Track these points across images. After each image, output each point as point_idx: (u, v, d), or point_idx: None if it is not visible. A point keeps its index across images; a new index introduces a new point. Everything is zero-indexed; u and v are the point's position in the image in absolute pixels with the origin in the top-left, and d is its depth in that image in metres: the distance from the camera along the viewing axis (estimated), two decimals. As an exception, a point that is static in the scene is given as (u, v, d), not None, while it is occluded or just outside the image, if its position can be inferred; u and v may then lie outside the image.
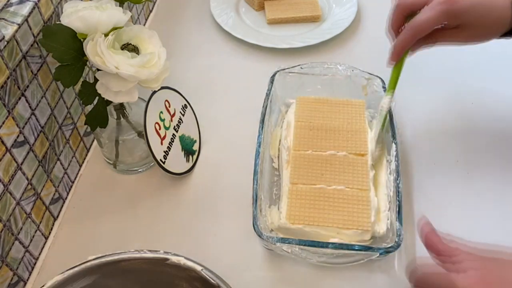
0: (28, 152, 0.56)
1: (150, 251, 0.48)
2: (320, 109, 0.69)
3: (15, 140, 0.53)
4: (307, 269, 0.59)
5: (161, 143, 0.64)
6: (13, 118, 0.52)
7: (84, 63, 0.55)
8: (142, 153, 0.68)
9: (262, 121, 0.65)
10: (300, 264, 0.59)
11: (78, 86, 0.58)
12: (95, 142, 0.73)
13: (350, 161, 0.63)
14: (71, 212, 0.66)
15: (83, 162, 0.71)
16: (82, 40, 0.53)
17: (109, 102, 0.60)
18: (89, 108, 0.60)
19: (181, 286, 0.49)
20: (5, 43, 0.50)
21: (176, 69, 0.79)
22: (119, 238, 0.62)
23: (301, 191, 0.60)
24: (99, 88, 0.55)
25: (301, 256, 0.55)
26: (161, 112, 0.65)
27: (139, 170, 0.69)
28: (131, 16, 0.57)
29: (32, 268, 0.59)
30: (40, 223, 0.60)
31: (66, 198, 0.66)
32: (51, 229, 0.63)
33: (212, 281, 0.46)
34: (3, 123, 0.51)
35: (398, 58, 0.60)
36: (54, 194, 0.63)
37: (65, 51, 0.53)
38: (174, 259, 0.47)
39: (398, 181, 0.59)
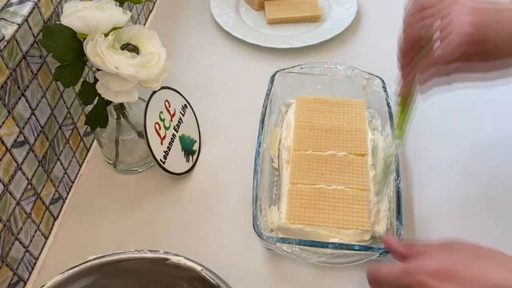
0: (28, 152, 0.56)
1: (150, 251, 0.48)
2: (320, 109, 0.69)
3: (15, 140, 0.53)
4: (307, 269, 0.59)
5: (161, 143, 0.64)
6: (13, 118, 0.52)
7: (84, 63, 0.55)
8: (142, 153, 0.68)
9: (262, 121, 0.65)
10: (300, 264, 0.59)
11: (78, 86, 0.58)
12: (95, 142, 0.73)
13: (350, 161, 0.63)
14: (71, 212, 0.66)
15: (83, 162, 0.71)
16: (82, 40, 0.53)
17: (109, 102, 0.60)
18: (89, 108, 0.60)
19: (181, 286, 0.49)
20: (5, 43, 0.50)
21: (176, 69, 0.79)
22: (119, 238, 0.62)
23: (301, 191, 0.60)
24: (99, 88, 0.55)
25: (301, 256, 0.55)
26: (161, 112, 0.65)
27: (139, 170, 0.69)
28: (131, 16, 0.57)
29: (32, 268, 0.59)
30: (40, 223, 0.60)
31: (66, 198, 0.66)
32: (51, 229, 0.63)
33: (212, 281, 0.46)
34: (3, 123, 0.51)
35: (408, 95, 0.52)
36: (54, 194, 0.63)
37: (65, 51, 0.53)
38: (174, 259, 0.47)
39: (398, 181, 0.59)
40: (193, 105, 0.72)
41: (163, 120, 0.65)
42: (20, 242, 0.56)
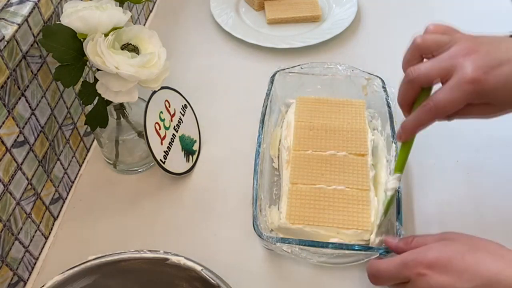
0: (28, 152, 0.56)
1: (150, 251, 0.48)
2: (320, 109, 0.69)
3: (15, 140, 0.53)
4: (307, 269, 0.59)
5: (161, 143, 0.64)
6: (13, 118, 0.52)
7: (84, 63, 0.55)
8: (142, 153, 0.68)
9: (262, 121, 0.65)
10: (300, 264, 0.59)
11: (78, 86, 0.58)
12: (95, 142, 0.73)
13: (350, 161, 0.63)
14: (71, 212, 0.66)
15: (83, 162, 0.71)
16: (82, 40, 0.53)
17: (109, 102, 0.60)
18: (89, 108, 0.60)
19: (181, 286, 0.49)
20: (5, 43, 0.50)
21: (176, 69, 0.79)
22: (119, 238, 0.62)
23: (301, 191, 0.60)
24: (99, 88, 0.55)
25: (301, 256, 0.55)
26: (161, 112, 0.65)
27: (139, 170, 0.69)
28: (131, 16, 0.57)
29: (32, 268, 0.59)
30: (40, 223, 0.60)
31: (66, 198, 0.66)
32: (51, 229, 0.63)
33: (212, 281, 0.46)
34: (3, 123, 0.51)
35: (409, 138, 0.52)
36: (54, 194, 0.63)
37: (65, 51, 0.53)
38: (174, 259, 0.47)
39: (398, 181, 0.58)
40: (193, 105, 0.72)
41: (163, 120, 0.65)
42: (20, 242, 0.56)
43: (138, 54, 0.56)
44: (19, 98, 0.53)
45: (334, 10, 0.92)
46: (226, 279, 0.46)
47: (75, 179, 0.69)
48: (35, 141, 0.57)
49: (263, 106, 0.67)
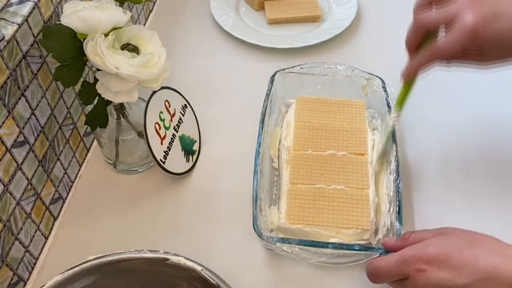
0: (28, 152, 0.56)
1: (150, 251, 0.48)
2: (320, 109, 0.69)
3: (15, 140, 0.53)
4: (307, 269, 0.59)
5: (161, 143, 0.64)
6: (13, 118, 0.52)
7: (84, 63, 0.55)
8: (142, 153, 0.68)
9: (262, 121, 0.65)
10: (300, 264, 0.59)
11: (78, 86, 0.58)
12: (95, 142, 0.73)
13: (350, 161, 0.63)
14: (71, 212, 0.66)
15: (83, 162, 0.71)
16: (82, 40, 0.53)
17: (109, 102, 0.60)
18: (89, 108, 0.60)
19: (181, 286, 0.49)
20: (5, 43, 0.50)
21: (176, 69, 0.79)
22: (119, 238, 0.62)
23: (300, 191, 0.60)
24: (99, 88, 0.55)
25: (301, 256, 0.55)
26: (161, 112, 0.65)
27: (139, 170, 0.69)
28: (131, 16, 0.57)
29: (32, 268, 0.59)
30: (40, 223, 0.60)
31: (66, 198, 0.66)
32: (51, 229, 0.63)
33: (212, 281, 0.46)
34: (3, 123, 0.51)
35: (411, 77, 0.57)
36: (54, 194, 0.63)
37: (65, 51, 0.53)
38: (174, 259, 0.47)
39: (398, 181, 0.59)
40: (193, 105, 0.72)
41: (163, 120, 0.65)
42: (20, 242, 0.56)
43: (138, 54, 0.56)
44: (19, 98, 0.53)
45: (334, 10, 0.92)
46: (226, 279, 0.46)
47: (75, 179, 0.69)
48: (35, 141, 0.57)
49: (263, 106, 0.67)
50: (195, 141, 0.71)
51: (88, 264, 0.47)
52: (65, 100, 0.63)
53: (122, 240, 0.62)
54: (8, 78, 0.51)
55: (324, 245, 0.54)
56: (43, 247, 0.62)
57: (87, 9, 0.53)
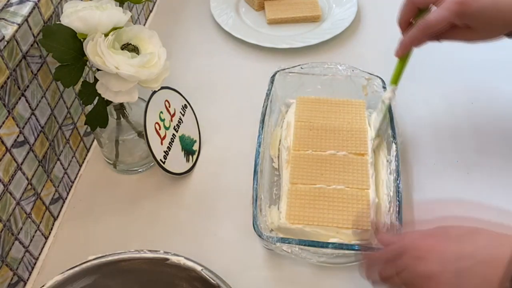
0: (28, 152, 0.56)
1: (150, 251, 0.48)
2: (320, 109, 0.69)
3: (15, 140, 0.53)
4: (307, 269, 0.59)
5: (161, 143, 0.64)
6: (13, 118, 0.52)
7: (84, 63, 0.55)
8: (142, 153, 0.68)
9: (262, 121, 0.65)
10: (300, 264, 0.59)
11: (78, 86, 0.58)
12: (95, 142, 0.73)
13: (350, 161, 0.63)
14: (71, 212, 0.66)
15: (83, 162, 0.71)
16: (82, 40, 0.53)
17: (109, 102, 0.60)
18: (89, 108, 0.60)
19: (181, 286, 0.49)
20: (5, 43, 0.50)
21: (176, 69, 0.79)
22: (119, 238, 0.62)
23: (300, 191, 0.60)
24: (99, 88, 0.55)
25: (301, 256, 0.55)
26: (161, 112, 0.65)
27: (139, 170, 0.69)
28: (131, 16, 0.57)
29: (32, 268, 0.59)
30: (40, 223, 0.60)
31: (66, 198, 0.66)
32: (51, 229, 0.63)
33: (212, 281, 0.46)
34: (3, 123, 0.51)
35: (404, 53, 0.60)
36: (54, 194, 0.63)
37: (65, 51, 0.53)
38: (174, 259, 0.47)
39: (398, 181, 0.59)
40: (193, 105, 0.72)
41: (163, 120, 0.65)
42: (20, 242, 0.56)
43: (138, 54, 0.56)
44: (19, 98, 0.53)
45: (334, 10, 0.92)
46: (226, 279, 0.46)
47: (75, 179, 0.69)
48: (35, 141, 0.57)
49: (263, 106, 0.67)
50: (195, 141, 0.71)
51: (88, 264, 0.47)
52: (65, 100, 0.63)
53: (122, 240, 0.62)
54: (8, 78, 0.51)
55: (324, 245, 0.54)
56: (43, 247, 0.62)
57: (87, 9, 0.53)
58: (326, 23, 0.90)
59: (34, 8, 0.54)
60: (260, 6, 0.94)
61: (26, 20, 0.53)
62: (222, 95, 0.79)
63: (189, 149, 0.70)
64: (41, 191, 0.60)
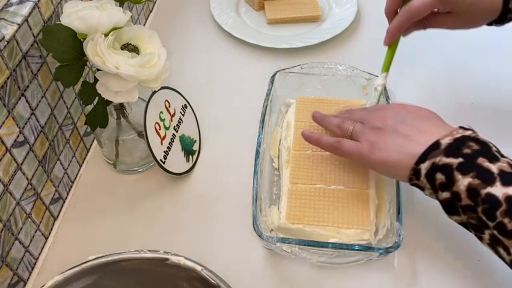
0: (28, 152, 0.56)
1: (150, 251, 0.48)
2: (320, 109, 0.69)
3: (15, 140, 0.53)
4: (307, 269, 0.59)
5: (161, 143, 0.64)
6: (13, 118, 0.52)
7: (84, 63, 0.55)
8: (142, 153, 0.68)
9: (262, 121, 0.65)
10: (300, 264, 0.59)
11: (78, 86, 0.58)
12: (95, 142, 0.73)
13: (350, 161, 0.63)
14: (71, 212, 0.66)
15: (83, 162, 0.71)
16: (82, 40, 0.53)
17: (109, 102, 0.60)
18: (89, 108, 0.60)
19: (181, 286, 0.49)
20: (5, 43, 0.50)
21: (176, 69, 0.79)
22: (119, 238, 0.62)
23: (301, 191, 0.60)
24: (99, 88, 0.55)
25: (301, 256, 0.55)
26: (161, 112, 0.65)
27: (139, 170, 0.69)
28: (131, 16, 0.57)
29: (32, 268, 0.59)
30: (40, 223, 0.60)
31: (66, 198, 0.66)
32: (51, 229, 0.63)
33: (212, 281, 0.46)
34: (3, 123, 0.51)
35: (392, 41, 0.63)
36: (54, 194, 0.63)
37: (65, 51, 0.53)
38: (174, 259, 0.47)
39: (398, 181, 0.58)
40: (193, 105, 0.72)
41: (163, 120, 0.65)
42: (20, 242, 0.56)
43: (138, 54, 0.56)
44: (19, 98, 0.53)
45: (334, 10, 0.92)
46: (226, 279, 0.46)
47: (75, 179, 0.69)
48: (35, 141, 0.57)
49: (263, 106, 0.67)
50: (195, 141, 0.71)
51: (88, 264, 0.47)
52: (65, 100, 0.63)
53: (122, 240, 0.62)
54: (8, 78, 0.51)
55: (324, 245, 0.54)
56: (43, 247, 0.62)
57: (87, 9, 0.53)
58: (326, 23, 0.90)
59: (34, 8, 0.54)
60: (260, 6, 0.94)
61: (26, 20, 0.53)
62: (222, 95, 0.79)
63: (189, 149, 0.70)
64: (41, 191, 0.60)
